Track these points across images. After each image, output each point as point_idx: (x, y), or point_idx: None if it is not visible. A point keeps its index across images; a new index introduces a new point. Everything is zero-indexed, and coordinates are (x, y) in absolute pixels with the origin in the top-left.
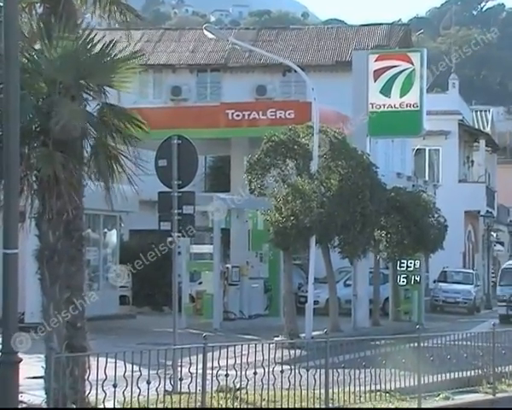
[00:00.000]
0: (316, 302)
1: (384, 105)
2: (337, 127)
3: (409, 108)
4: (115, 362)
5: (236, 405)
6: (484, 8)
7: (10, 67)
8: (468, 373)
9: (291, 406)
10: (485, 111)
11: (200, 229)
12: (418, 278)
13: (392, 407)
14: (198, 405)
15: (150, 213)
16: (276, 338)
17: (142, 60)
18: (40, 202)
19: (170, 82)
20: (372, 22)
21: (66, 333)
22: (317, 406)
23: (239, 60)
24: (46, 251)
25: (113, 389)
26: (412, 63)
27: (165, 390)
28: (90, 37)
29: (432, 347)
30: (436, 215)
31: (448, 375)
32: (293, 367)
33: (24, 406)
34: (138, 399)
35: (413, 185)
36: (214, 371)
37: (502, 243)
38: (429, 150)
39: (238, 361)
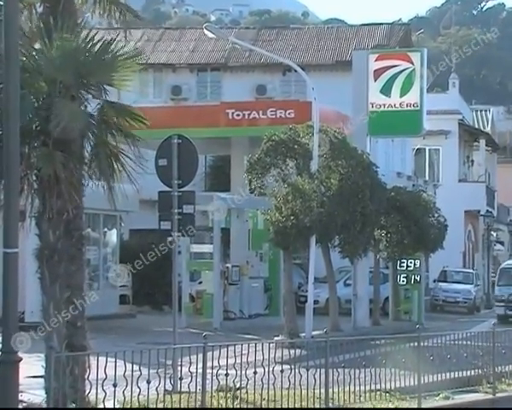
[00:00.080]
0: (316, 302)
1: (384, 105)
2: (337, 127)
3: (409, 108)
4: (115, 361)
5: (236, 404)
6: (484, 8)
7: (10, 67)
8: (468, 373)
9: (291, 405)
10: (486, 111)
11: (201, 228)
12: (418, 278)
13: (392, 406)
14: (198, 404)
15: (150, 213)
16: (276, 338)
17: (142, 59)
18: (40, 201)
19: (170, 81)
20: (372, 22)
21: (67, 332)
22: (317, 405)
23: (239, 59)
24: (46, 250)
25: (113, 389)
26: (412, 63)
27: (165, 390)
28: (90, 36)
29: (432, 346)
30: (436, 215)
31: (448, 374)
32: (293, 367)
33: (24, 405)
34: (138, 398)
35: (413, 185)
36: (214, 371)
37: (502, 243)
38: (429, 150)
39: (238, 361)
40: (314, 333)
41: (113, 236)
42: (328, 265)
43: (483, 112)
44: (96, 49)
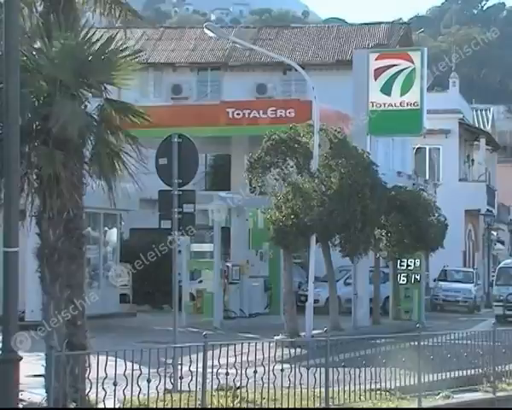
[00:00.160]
0: (316, 301)
1: (384, 104)
2: (337, 126)
3: (409, 107)
4: (115, 360)
5: (236, 403)
6: (484, 7)
7: (10, 66)
8: (469, 372)
9: (291, 404)
10: (486, 110)
11: (201, 227)
12: (418, 277)
13: (393, 405)
14: (198, 403)
15: (150, 212)
16: (276, 337)
17: (142, 58)
18: (40, 200)
19: (170, 80)
20: (372, 21)
21: (67, 331)
22: (318, 404)
23: (239, 58)
24: (46, 249)
25: (113, 388)
26: (413, 62)
27: (166, 389)
28: (90, 34)
29: (432, 345)
30: (436, 214)
31: (448, 374)
32: (293, 366)
33: (24, 404)
34: (138, 397)
35: (413, 184)
36: (214, 370)
37: (502, 242)
38: (429, 149)
39: (238, 360)
40: (314, 332)
41: (113, 235)
42: (328, 264)
43: (483, 111)
44: (95, 48)
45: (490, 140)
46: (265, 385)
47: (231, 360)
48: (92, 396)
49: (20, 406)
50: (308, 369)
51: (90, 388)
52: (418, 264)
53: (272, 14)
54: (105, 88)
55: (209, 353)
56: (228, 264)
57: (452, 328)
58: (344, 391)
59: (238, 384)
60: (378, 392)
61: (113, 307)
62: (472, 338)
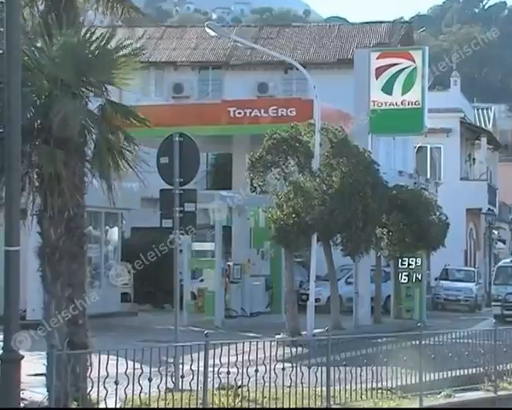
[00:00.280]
0: (317, 300)
1: (386, 103)
2: (339, 125)
3: (410, 106)
4: (117, 359)
5: (238, 402)
6: (486, 6)
7: (12, 65)
8: (470, 371)
9: (292, 403)
10: (487, 109)
11: (202, 226)
12: (420, 276)
13: (394, 404)
14: (199, 402)
15: (152, 211)
16: (277, 336)
17: (143, 57)
18: (42, 199)
19: (172, 79)
20: (374, 20)
21: (68, 330)
22: (319, 403)
23: (241, 57)
24: (48, 248)
25: (114, 387)
26: (414, 61)
27: (167, 388)
28: (91, 33)
29: (433, 344)
30: (438, 213)
31: (449, 373)
32: (294, 365)
33: (25, 403)
34: (140, 396)
35: (415, 183)
36: (216, 369)
37: (503, 241)
38: (431, 148)
39: (239, 359)
40: (315, 331)
41: (114, 234)
42: (329, 263)
43: (484, 110)
44: (96, 46)
45: (491, 139)
46: (266, 384)
47: (232, 359)
48: (93, 395)
49: (22, 405)
50: (309, 368)
51: (92, 387)
52: (419, 263)
53: (273, 13)
54: (105, 88)
55: (210, 352)
56: (229, 263)
57: (453, 327)
58: (345, 390)
59: (239, 383)
60: (379, 391)
61: (115, 306)
62: (473, 337)
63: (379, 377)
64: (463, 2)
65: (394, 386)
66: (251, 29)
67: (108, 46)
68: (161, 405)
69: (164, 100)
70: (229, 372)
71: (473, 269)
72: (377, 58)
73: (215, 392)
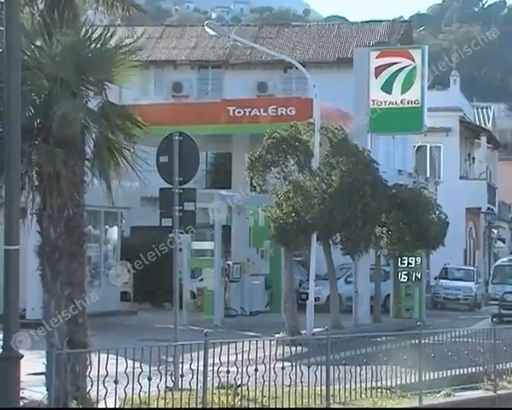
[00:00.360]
0: (317, 299)
1: (385, 102)
2: (338, 124)
3: (410, 105)
4: (116, 358)
5: (237, 401)
6: (485, 5)
7: (11, 64)
8: (469, 370)
9: (292, 402)
10: (487, 108)
11: (202, 225)
12: (419, 275)
13: (393, 403)
14: (199, 401)
15: (151, 210)
16: (277, 335)
17: (143, 56)
18: (41, 198)
19: (171, 78)
20: (373, 19)
21: (68, 329)
22: (318, 402)
23: (240, 56)
24: (47, 247)
25: (114, 386)
26: (413, 60)
27: (166, 387)
28: (91, 32)
29: (433, 344)
30: (437, 212)
31: (449, 372)
32: (294, 364)
33: (25, 402)
34: (139, 395)
35: (414, 182)
36: (215, 368)
37: (503, 240)
38: (430, 147)
39: (239, 358)
40: (315, 330)
41: (114, 233)
42: (329, 262)
43: (484, 109)
44: (95, 45)
45: (490, 138)
46: (266, 383)
47: (232, 358)
48: (93, 394)
49: (21, 404)
50: (309, 367)
51: (91, 386)
52: (419, 262)
53: (273, 13)
54: (104, 89)
55: (210, 351)
56: (229, 262)
57: (453, 326)
58: (345, 389)
59: (239, 382)
60: (379, 390)
61: (114, 305)
62: (473, 336)
63: (378, 377)
64: (463, 1)
65: (394, 385)
66: (250, 28)
67: (108, 45)
68: (161, 404)
69: (163, 99)
70: (228, 371)
71: (472, 268)
72: (377, 57)
73: (215, 391)
